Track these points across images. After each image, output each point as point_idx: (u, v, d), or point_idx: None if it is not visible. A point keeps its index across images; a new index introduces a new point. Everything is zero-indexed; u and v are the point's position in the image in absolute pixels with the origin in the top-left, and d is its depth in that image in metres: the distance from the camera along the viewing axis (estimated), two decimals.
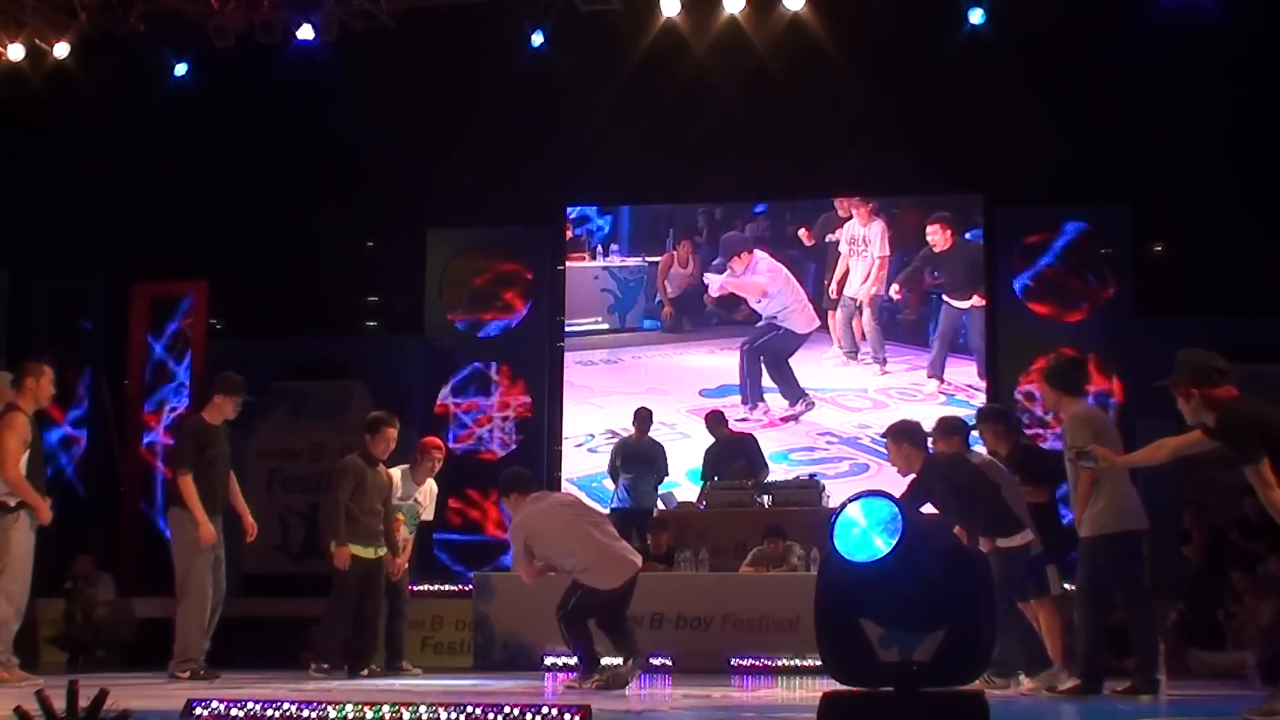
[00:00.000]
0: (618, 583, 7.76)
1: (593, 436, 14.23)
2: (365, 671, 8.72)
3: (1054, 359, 7.67)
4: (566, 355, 14.54)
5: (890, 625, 4.24)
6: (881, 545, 3.99)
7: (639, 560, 8.02)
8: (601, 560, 7.78)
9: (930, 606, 4.10)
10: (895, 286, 13.83)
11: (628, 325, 14.73)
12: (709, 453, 12.05)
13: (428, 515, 9.67)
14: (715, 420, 12.28)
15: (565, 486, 14.14)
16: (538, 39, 13.31)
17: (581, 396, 14.40)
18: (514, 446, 14.30)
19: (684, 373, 14.33)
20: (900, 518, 4.00)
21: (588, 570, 7.72)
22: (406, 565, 9.45)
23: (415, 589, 10.42)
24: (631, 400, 13.15)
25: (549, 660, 10.06)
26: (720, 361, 14.29)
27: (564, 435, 14.25)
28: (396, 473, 9.30)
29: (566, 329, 14.58)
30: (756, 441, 12.24)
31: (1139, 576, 7.30)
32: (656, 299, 14.58)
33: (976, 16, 12.71)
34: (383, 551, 8.98)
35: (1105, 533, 7.15)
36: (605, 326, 14.78)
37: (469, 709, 4.84)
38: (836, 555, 4.12)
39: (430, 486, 9.56)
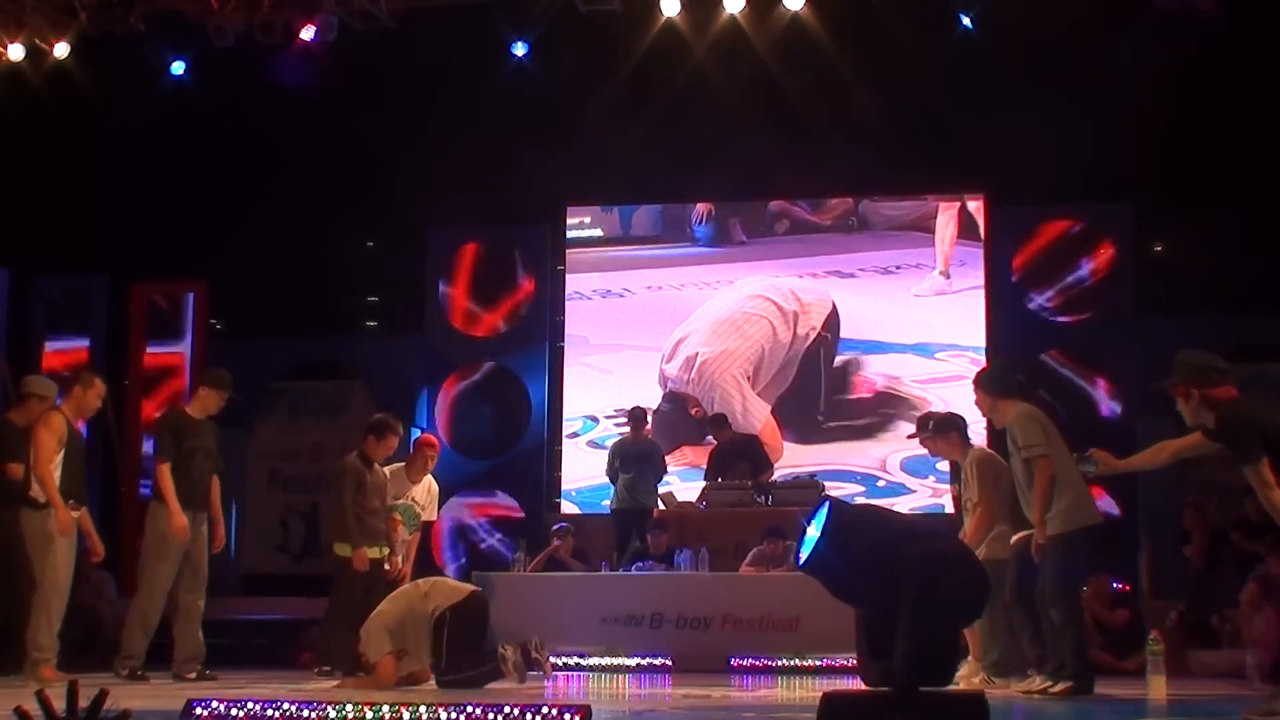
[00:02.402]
0: (470, 586, 7.79)
1: (595, 421, 14.10)
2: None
3: (990, 364, 7.68)
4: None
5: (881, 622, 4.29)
6: (816, 538, 4.12)
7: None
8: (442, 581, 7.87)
9: (866, 598, 4.20)
10: None
11: (633, 233, 14.39)
12: (713, 454, 12.09)
13: (430, 515, 9.54)
14: (718, 423, 12.32)
15: (565, 487, 14.16)
16: (537, 39, 13.31)
17: (575, 354, 14.23)
18: (513, 447, 14.31)
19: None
20: (828, 512, 4.11)
21: (434, 590, 7.69)
22: (409, 569, 9.35)
23: None
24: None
25: (549, 660, 10.04)
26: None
27: (564, 430, 14.27)
28: (388, 471, 9.21)
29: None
30: (760, 442, 12.26)
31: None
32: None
33: (967, 21, 12.72)
34: (386, 551, 8.94)
35: (1080, 526, 7.17)
36: (599, 233, 14.58)
37: (469, 709, 4.85)
38: (799, 565, 4.29)
39: (430, 485, 9.42)
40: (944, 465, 9.03)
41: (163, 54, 13.52)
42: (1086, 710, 6.60)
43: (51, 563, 8.00)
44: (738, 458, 11.76)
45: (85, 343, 14.36)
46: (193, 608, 8.47)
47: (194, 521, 8.45)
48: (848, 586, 4.25)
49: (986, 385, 7.58)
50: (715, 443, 12.20)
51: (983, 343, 13.45)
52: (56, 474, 8.02)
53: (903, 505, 12.70)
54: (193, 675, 8.32)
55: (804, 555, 4.21)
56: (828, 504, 4.21)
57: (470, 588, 7.80)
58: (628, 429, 12.23)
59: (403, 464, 9.27)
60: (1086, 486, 7.32)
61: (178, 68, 13.65)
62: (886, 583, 4.10)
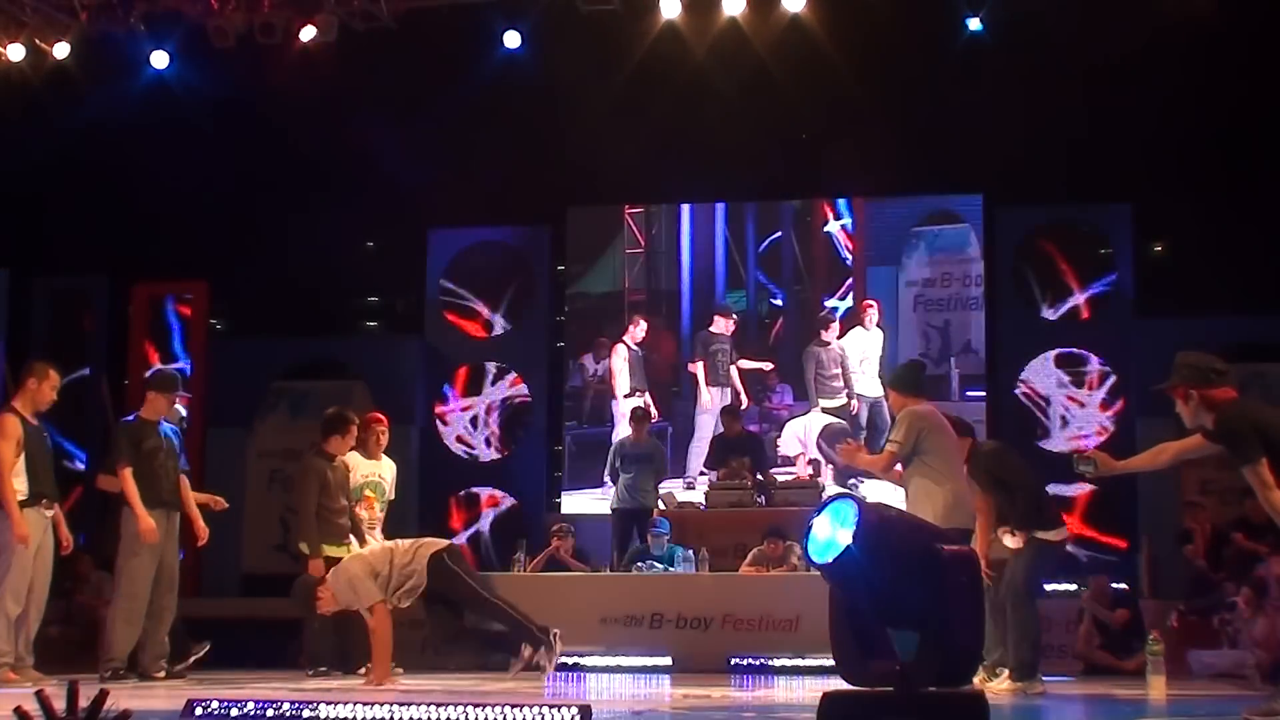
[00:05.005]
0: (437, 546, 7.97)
1: None
2: (363, 669, 8.67)
3: (899, 366, 7.90)
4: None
5: (875, 621, 4.27)
6: (844, 541, 4.06)
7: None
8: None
9: (898, 599, 4.16)
10: None
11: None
12: (715, 443, 12.27)
13: (391, 494, 9.58)
14: (730, 414, 12.47)
15: (565, 487, 14.16)
16: (537, 39, 13.30)
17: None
18: (514, 447, 14.31)
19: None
20: (859, 513, 4.07)
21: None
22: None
23: None
24: None
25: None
26: None
27: (564, 431, 14.26)
28: (352, 457, 9.25)
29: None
30: (763, 444, 12.32)
31: None
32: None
33: (975, 24, 12.69)
34: (354, 548, 8.93)
35: (958, 527, 7.13)
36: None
37: (469, 709, 4.85)
38: (810, 563, 4.25)
39: (391, 465, 9.48)
40: None
41: (162, 54, 13.49)
42: (1087, 710, 6.61)
43: (16, 569, 7.97)
44: (740, 452, 11.83)
45: (84, 343, 14.36)
46: (163, 608, 8.47)
47: (165, 521, 8.45)
48: (873, 588, 4.16)
49: (901, 386, 7.81)
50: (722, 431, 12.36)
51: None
52: (19, 482, 8.01)
53: None
54: (160, 674, 8.33)
55: (827, 557, 4.12)
56: (857, 506, 4.14)
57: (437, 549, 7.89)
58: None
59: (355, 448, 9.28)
60: (964, 496, 7.38)
61: (170, 65, 13.58)
62: (922, 583, 4.07)
